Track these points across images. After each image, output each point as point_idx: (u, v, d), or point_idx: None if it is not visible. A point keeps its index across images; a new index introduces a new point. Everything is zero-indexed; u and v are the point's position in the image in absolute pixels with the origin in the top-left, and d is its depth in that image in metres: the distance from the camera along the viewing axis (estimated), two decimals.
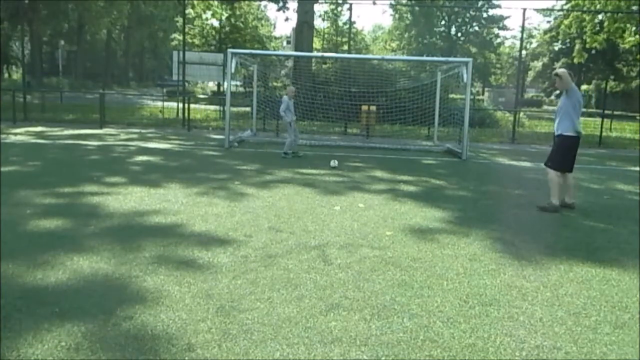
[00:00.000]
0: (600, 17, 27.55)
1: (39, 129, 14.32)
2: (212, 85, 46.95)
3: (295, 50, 22.14)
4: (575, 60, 34.49)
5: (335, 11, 38.59)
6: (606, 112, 21.62)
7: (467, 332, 3.19)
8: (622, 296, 3.88)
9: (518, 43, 34.25)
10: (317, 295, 3.63)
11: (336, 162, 9.64)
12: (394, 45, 50.52)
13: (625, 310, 3.62)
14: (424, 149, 13.73)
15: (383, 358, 2.85)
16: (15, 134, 12.85)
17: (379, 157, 11.66)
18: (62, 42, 38.31)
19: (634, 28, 25.13)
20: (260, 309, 3.37)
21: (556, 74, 6.67)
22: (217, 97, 29.14)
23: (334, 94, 17.10)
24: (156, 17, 46.20)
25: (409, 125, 16.55)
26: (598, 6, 24.53)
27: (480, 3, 47.53)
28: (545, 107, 47.73)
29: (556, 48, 50.22)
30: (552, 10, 43.94)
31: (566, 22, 30.35)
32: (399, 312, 3.43)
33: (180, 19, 33.21)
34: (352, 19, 50.07)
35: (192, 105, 17.39)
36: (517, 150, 14.38)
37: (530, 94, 62.53)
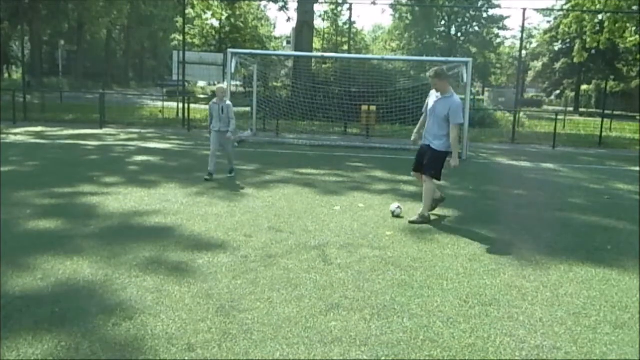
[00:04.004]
0: (600, 17, 27.55)
1: (38, 129, 14.31)
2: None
3: (295, 50, 22.15)
4: (575, 60, 34.48)
5: (335, 11, 38.59)
6: (606, 112, 21.64)
7: (467, 332, 3.19)
8: (622, 296, 3.88)
9: (518, 43, 34.27)
10: (317, 295, 3.63)
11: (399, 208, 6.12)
12: (394, 45, 50.51)
13: (625, 310, 3.62)
14: None
15: (383, 358, 2.85)
16: (15, 134, 12.84)
17: (379, 157, 11.66)
18: (62, 42, 38.18)
19: (634, 28, 25.12)
20: (260, 309, 3.37)
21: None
22: None
23: (334, 94, 17.09)
24: (156, 17, 46.21)
25: (409, 125, 16.47)
26: (598, 6, 24.50)
27: (480, 3, 47.54)
28: (545, 107, 47.75)
29: (556, 48, 50.23)
30: (552, 10, 43.98)
31: (566, 22, 30.34)
32: (399, 312, 3.43)
33: (180, 19, 33.22)
34: (352, 19, 50.06)
35: (192, 105, 17.39)
36: (517, 150, 14.37)
37: (530, 94, 62.57)
